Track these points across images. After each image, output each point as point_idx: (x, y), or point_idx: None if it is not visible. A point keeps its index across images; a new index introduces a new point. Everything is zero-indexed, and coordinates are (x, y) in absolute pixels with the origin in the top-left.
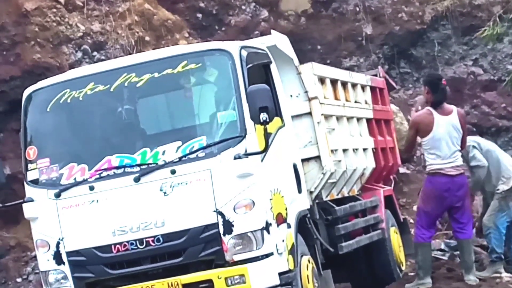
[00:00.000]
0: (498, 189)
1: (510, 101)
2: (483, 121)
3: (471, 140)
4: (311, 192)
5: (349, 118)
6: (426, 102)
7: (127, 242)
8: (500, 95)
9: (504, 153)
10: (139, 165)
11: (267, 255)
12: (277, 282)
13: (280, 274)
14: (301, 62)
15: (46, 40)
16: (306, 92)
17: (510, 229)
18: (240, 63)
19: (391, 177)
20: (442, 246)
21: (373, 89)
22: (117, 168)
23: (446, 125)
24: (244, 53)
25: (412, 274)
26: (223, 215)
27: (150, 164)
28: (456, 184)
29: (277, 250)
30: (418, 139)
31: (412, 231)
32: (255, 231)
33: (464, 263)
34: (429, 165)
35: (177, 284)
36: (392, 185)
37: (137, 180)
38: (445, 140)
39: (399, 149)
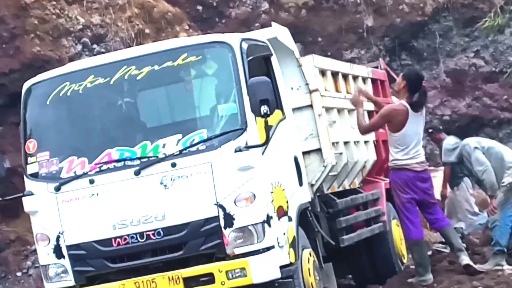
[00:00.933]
0: (503, 182)
1: (511, 93)
2: (485, 113)
3: (473, 140)
4: (312, 185)
5: (350, 111)
6: (397, 91)
7: (128, 235)
8: (502, 87)
9: (505, 147)
10: (139, 158)
11: (268, 248)
12: (278, 275)
13: (281, 267)
14: (302, 54)
15: (45, 33)
16: (307, 84)
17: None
18: (240, 56)
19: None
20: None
21: (374, 81)
22: (117, 161)
23: (417, 122)
24: (245, 45)
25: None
26: (223, 208)
27: (151, 157)
28: (421, 179)
29: (278, 243)
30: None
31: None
32: (256, 224)
33: (454, 247)
34: (394, 160)
35: (178, 278)
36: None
37: (137, 173)
38: (414, 137)
39: (358, 125)
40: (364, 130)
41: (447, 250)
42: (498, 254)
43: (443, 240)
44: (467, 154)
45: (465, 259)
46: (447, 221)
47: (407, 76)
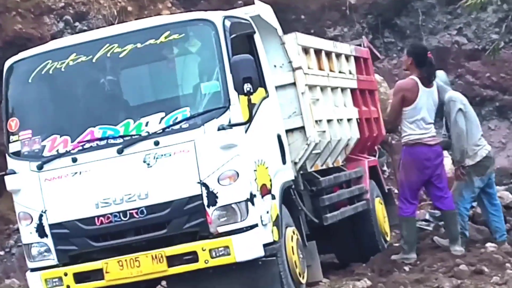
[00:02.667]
0: (464, 164)
1: (494, 70)
2: (467, 90)
3: (459, 99)
4: (295, 163)
5: (333, 89)
6: (405, 69)
7: (111, 214)
8: (484, 65)
9: (477, 125)
10: (122, 137)
11: (251, 227)
12: (262, 253)
13: (265, 245)
14: (285, 32)
15: (27, 10)
16: (290, 62)
17: (484, 201)
18: (223, 33)
19: (376, 147)
20: (427, 217)
21: (357, 59)
22: (100, 139)
23: (428, 96)
24: (228, 23)
25: (396, 244)
26: (207, 187)
27: (133, 135)
28: (434, 153)
29: (261, 221)
30: None
31: (397, 201)
32: (239, 202)
33: (450, 233)
34: (408, 135)
35: (161, 256)
36: (377, 155)
37: (120, 151)
38: (426, 111)
39: (384, 119)
40: (388, 123)
41: (430, 228)
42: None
43: (426, 218)
44: (449, 109)
45: (457, 250)
46: (452, 203)
47: (411, 53)
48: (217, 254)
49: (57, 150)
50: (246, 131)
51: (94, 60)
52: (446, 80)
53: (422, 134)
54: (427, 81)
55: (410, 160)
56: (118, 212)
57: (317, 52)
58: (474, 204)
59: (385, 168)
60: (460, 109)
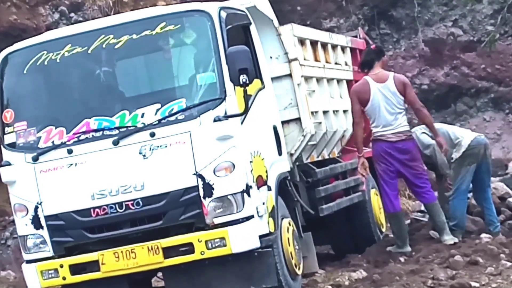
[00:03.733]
0: (452, 158)
1: (489, 62)
2: (463, 82)
3: (418, 128)
4: (291, 155)
5: (329, 80)
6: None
7: (107, 205)
8: (480, 56)
9: (453, 127)
10: (118, 128)
11: (247, 218)
12: (258, 244)
13: (261, 236)
14: (281, 23)
15: (22, 1)
16: (286, 53)
17: (477, 191)
18: (219, 25)
19: (371, 139)
20: (422, 207)
21: (353, 50)
22: (96, 131)
23: (382, 92)
24: (224, 14)
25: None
26: (203, 178)
27: (129, 126)
28: (396, 149)
29: (257, 212)
30: None
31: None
32: (235, 193)
33: (435, 225)
34: (374, 132)
35: (157, 248)
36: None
37: (116, 143)
38: (382, 108)
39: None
40: (354, 124)
41: (425, 219)
42: (456, 230)
43: (422, 209)
44: (419, 143)
45: (447, 239)
46: (432, 196)
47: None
48: (213, 246)
49: (53, 142)
50: (242, 123)
51: (89, 51)
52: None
53: (384, 131)
54: (364, 67)
55: (374, 154)
56: (114, 204)
57: (313, 43)
58: (469, 195)
59: None
60: (423, 132)
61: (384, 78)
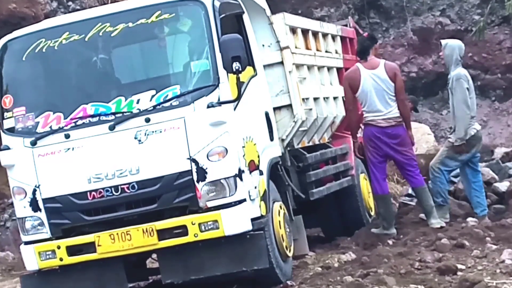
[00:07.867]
0: (450, 138)
1: (476, 50)
2: None
3: (466, 77)
4: (282, 140)
5: (320, 68)
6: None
7: (103, 189)
8: (467, 45)
9: (474, 106)
10: (114, 114)
11: (239, 202)
12: (250, 227)
13: (253, 219)
14: (273, 12)
15: None
16: (278, 42)
17: (467, 176)
18: (213, 13)
19: (361, 125)
20: (410, 191)
21: (343, 39)
22: (92, 116)
23: (372, 79)
24: (217, 3)
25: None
26: (196, 163)
27: (125, 112)
28: (386, 134)
29: (249, 196)
30: None
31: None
32: (228, 178)
33: (423, 209)
34: (364, 117)
35: (152, 230)
36: (362, 133)
37: (112, 128)
38: (373, 94)
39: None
40: (347, 107)
41: (413, 203)
42: (444, 205)
43: (409, 192)
44: (455, 87)
45: (434, 223)
46: (421, 180)
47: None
48: (206, 228)
49: (51, 127)
50: (234, 109)
51: (86, 39)
52: (461, 54)
53: (374, 117)
54: (359, 55)
55: (364, 139)
56: (110, 187)
57: (304, 32)
58: (456, 180)
59: None
60: (467, 88)
61: (375, 65)
